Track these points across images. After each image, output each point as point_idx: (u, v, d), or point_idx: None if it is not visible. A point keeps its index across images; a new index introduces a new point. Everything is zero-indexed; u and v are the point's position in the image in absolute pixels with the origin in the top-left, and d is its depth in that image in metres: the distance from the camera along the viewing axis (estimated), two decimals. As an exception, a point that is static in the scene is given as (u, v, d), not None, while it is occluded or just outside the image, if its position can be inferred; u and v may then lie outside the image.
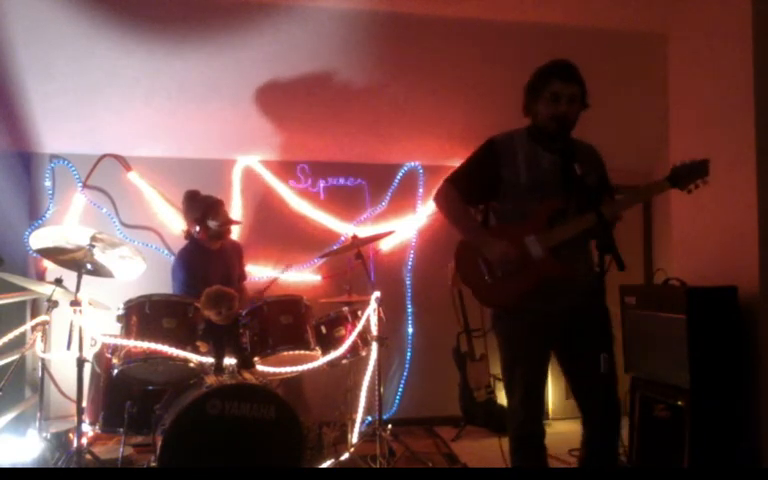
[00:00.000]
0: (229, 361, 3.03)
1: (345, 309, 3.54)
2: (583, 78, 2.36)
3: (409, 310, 4.58)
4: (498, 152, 2.42)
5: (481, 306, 2.50)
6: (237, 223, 3.97)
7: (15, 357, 3.29)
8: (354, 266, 4.03)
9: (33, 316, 3.86)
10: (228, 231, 3.80)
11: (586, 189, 2.23)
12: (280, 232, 4.43)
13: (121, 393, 3.16)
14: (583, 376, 2.41)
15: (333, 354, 3.33)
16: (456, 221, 2.46)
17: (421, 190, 4.61)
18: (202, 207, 3.67)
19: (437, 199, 2.52)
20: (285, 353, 3.21)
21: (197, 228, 3.67)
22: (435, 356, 4.48)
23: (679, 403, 3.02)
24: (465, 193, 2.46)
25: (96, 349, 3.19)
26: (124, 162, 4.31)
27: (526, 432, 2.43)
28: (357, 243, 3.67)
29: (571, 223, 2.31)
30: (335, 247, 4.35)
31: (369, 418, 3.93)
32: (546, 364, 2.45)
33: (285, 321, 3.23)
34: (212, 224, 3.66)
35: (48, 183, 4.22)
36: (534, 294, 2.32)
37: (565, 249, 2.32)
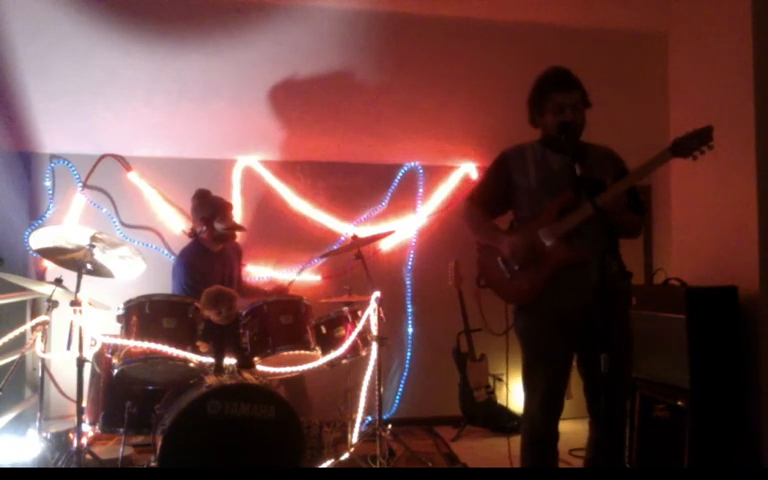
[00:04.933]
0: (229, 361, 3.03)
1: (345, 309, 3.54)
2: (579, 80, 2.38)
3: (409, 310, 4.57)
4: (509, 161, 2.50)
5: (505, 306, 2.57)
6: (243, 229, 3.94)
7: (15, 357, 3.29)
8: (354, 266, 4.02)
9: (33, 316, 3.85)
10: (233, 236, 3.81)
11: (586, 183, 2.24)
12: (280, 232, 4.43)
13: (121, 393, 3.16)
14: (592, 377, 2.41)
15: (333, 354, 3.33)
16: (475, 230, 2.57)
17: (421, 190, 4.60)
18: (211, 207, 3.68)
19: (462, 218, 2.63)
20: (285, 353, 3.20)
21: (203, 227, 3.67)
22: (435, 356, 4.47)
23: (679, 403, 3.02)
24: (483, 206, 2.56)
25: (96, 349, 3.18)
26: (124, 162, 4.31)
27: (538, 435, 2.43)
28: (357, 243, 3.67)
29: (575, 213, 2.33)
30: (335, 247, 4.35)
31: (369, 418, 3.92)
32: (566, 365, 2.44)
33: (285, 321, 3.23)
34: (219, 226, 3.67)
35: (48, 183, 4.22)
36: (550, 290, 2.34)
37: (575, 241, 2.32)
